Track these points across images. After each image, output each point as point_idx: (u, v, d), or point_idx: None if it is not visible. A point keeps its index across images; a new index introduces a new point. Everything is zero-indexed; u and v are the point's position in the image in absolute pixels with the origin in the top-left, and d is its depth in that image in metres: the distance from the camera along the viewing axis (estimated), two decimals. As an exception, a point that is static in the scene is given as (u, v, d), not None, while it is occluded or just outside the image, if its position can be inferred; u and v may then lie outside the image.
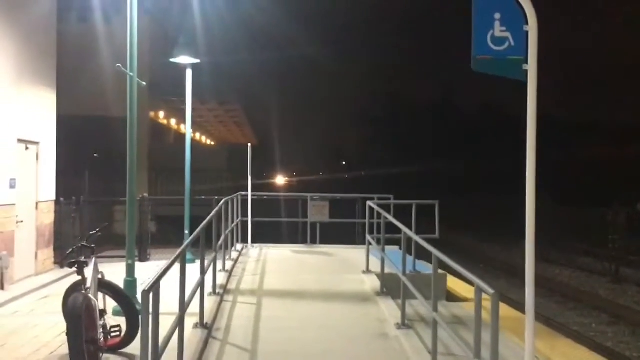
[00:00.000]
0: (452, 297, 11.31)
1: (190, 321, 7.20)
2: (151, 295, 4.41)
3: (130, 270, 8.87)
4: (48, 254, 12.79)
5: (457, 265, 5.59)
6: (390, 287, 9.78)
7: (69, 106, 14.69)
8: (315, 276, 11.50)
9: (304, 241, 16.09)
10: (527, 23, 4.82)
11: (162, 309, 4.63)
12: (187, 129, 14.39)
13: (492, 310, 4.59)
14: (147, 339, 4.30)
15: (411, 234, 7.84)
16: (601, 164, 36.66)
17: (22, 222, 11.49)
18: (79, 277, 6.55)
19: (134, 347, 6.83)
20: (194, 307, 7.14)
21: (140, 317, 6.91)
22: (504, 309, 9.06)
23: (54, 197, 13.19)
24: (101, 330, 6.41)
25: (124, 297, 7.16)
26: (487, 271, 19.43)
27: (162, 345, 4.86)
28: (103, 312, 6.66)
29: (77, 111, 19.19)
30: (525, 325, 4.95)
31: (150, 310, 4.45)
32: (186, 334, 6.13)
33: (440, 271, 10.27)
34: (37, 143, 12.34)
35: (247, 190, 15.18)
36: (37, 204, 12.31)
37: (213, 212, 9.11)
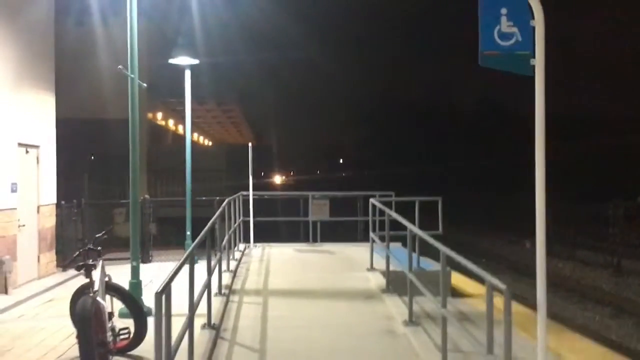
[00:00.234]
0: (455, 293, 11.31)
1: (198, 322, 7.19)
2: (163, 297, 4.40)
3: (135, 272, 8.86)
4: (50, 257, 12.79)
5: (466, 262, 5.59)
6: (395, 284, 9.77)
7: (65, 109, 14.64)
8: (319, 275, 11.50)
9: (305, 240, 16.10)
10: (533, 18, 4.82)
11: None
12: (187, 129, 14.38)
13: (504, 306, 4.59)
14: (161, 340, 4.30)
15: (417, 230, 7.82)
16: (600, 157, 36.72)
17: (24, 226, 11.49)
18: (86, 280, 6.55)
19: (141, 349, 6.85)
20: (201, 307, 7.13)
21: (147, 318, 7.00)
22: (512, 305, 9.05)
23: (55, 200, 13.18)
24: (110, 332, 6.41)
25: (131, 299, 7.17)
26: (489, 266, 19.45)
27: (175, 346, 4.86)
28: (111, 315, 6.67)
29: (74, 114, 19.17)
30: (537, 322, 4.95)
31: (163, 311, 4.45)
32: (195, 335, 6.13)
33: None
34: (37, 147, 12.33)
35: (246, 190, 15.17)
36: (38, 207, 12.29)
37: (217, 213, 9.11)
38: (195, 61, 13.52)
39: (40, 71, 12.59)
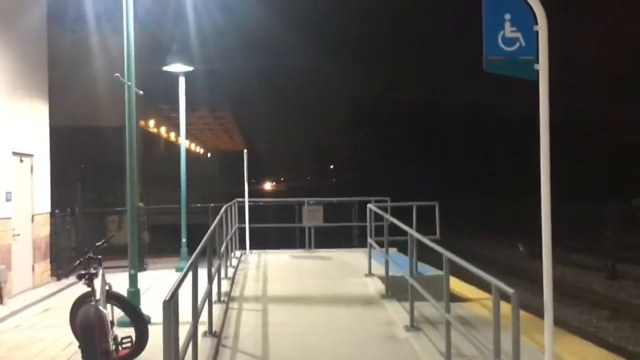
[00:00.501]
0: (453, 298, 11.31)
1: (199, 329, 7.14)
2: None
3: (133, 281, 8.82)
4: (44, 266, 12.69)
5: (471, 266, 5.60)
6: (394, 289, 9.78)
7: (57, 117, 14.56)
8: (317, 281, 11.49)
9: (299, 246, 16.09)
10: (537, 23, 4.85)
11: None
12: (181, 136, 14.33)
13: (512, 311, 4.60)
14: (169, 348, 4.28)
15: (418, 235, 7.84)
16: (595, 159, 36.91)
17: (18, 235, 11.40)
18: (86, 289, 6.51)
19: (141, 358, 6.80)
20: (202, 315, 7.10)
21: (148, 326, 6.97)
22: (506, 308, 9.08)
23: (49, 209, 13.10)
24: (112, 341, 6.36)
25: (131, 307, 7.13)
26: (485, 269, 19.40)
27: (181, 354, 4.83)
28: (112, 324, 6.62)
29: (65, 122, 19.07)
30: (545, 327, 4.99)
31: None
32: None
33: (441, 272, 10.35)
34: (31, 155, 12.26)
35: (239, 196, 15.16)
36: (32, 216, 12.21)
37: (216, 220, 9.09)
38: (189, 68, 13.50)
39: (33, 80, 12.54)
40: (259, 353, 7.18)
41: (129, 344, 6.68)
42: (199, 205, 16.25)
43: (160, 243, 19.27)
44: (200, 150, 42.89)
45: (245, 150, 14.96)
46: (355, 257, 13.93)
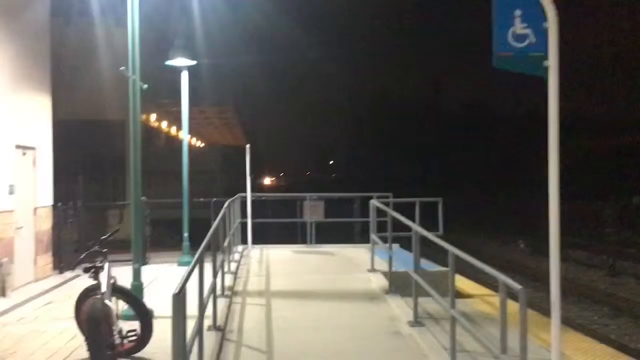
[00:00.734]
0: (456, 294, 11.32)
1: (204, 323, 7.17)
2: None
3: (137, 274, 8.82)
4: (47, 259, 12.70)
5: (477, 262, 5.61)
6: (397, 285, 9.79)
7: (60, 110, 14.54)
8: (320, 276, 11.50)
9: (301, 241, 16.09)
10: (547, 20, 4.85)
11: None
12: (184, 131, 14.31)
13: (520, 307, 4.62)
14: (178, 342, 4.29)
15: (423, 231, 7.85)
16: (595, 157, 36.95)
17: (21, 228, 11.41)
18: (92, 282, 6.53)
19: (145, 351, 6.83)
20: (206, 309, 7.11)
21: (152, 320, 6.99)
22: (511, 304, 9.10)
23: (51, 202, 13.10)
24: (117, 335, 6.38)
25: (136, 301, 7.15)
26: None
27: (188, 347, 4.85)
28: (117, 317, 6.64)
29: (67, 115, 19.05)
30: (552, 324, 5.01)
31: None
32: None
33: (444, 268, 10.36)
34: (33, 148, 12.25)
35: (240, 191, 15.15)
36: (35, 209, 12.21)
37: (220, 215, 9.09)
38: (192, 62, 13.48)
39: (37, 73, 12.53)
40: (263, 347, 7.19)
41: (134, 337, 6.70)
42: (200, 199, 16.22)
43: (160, 237, 19.26)
44: (201, 144, 42.82)
45: (248, 145, 14.95)
46: (357, 253, 13.94)
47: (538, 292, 15.11)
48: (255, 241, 15.45)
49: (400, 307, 8.85)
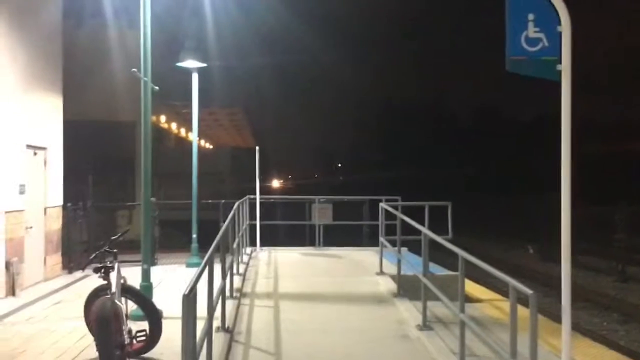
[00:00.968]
0: (465, 299, 11.29)
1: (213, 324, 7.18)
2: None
3: (146, 275, 8.84)
4: (56, 259, 12.75)
5: (487, 266, 5.59)
6: (405, 288, 9.77)
7: (71, 111, 14.60)
8: (328, 278, 11.50)
9: (309, 243, 16.08)
10: (560, 23, 4.83)
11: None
12: (194, 132, 14.35)
13: (530, 312, 4.60)
14: (188, 342, 4.30)
15: (432, 234, 7.83)
16: (605, 162, 36.79)
17: (31, 228, 11.45)
18: (102, 282, 6.54)
19: (154, 352, 6.84)
20: (215, 310, 7.12)
21: (161, 320, 7.01)
22: (521, 309, 9.05)
23: (61, 202, 13.15)
24: (127, 335, 6.39)
25: (146, 301, 7.16)
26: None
27: (198, 348, 4.85)
28: (126, 317, 6.65)
29: (79, 116, 19.13)
30: (562, 330, 4.99)
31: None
32: (211, 338, 6.11)
33: (453, 272, 10.33)
34: (44, 148, 12.31)
35: (249, 193, 15.17)
36: (45, 209, 12.26)
37: (230, 216, 9.10)
38: (203, 64, 13.53)
39: (48, 74, 12.59)
40: (271, 349, 7.19)
41: (144, 337, 6.71)
42: (209, 201, 16.25)
43: (169, 238, 19.30)
44: (210, 146, 42.95)
45: (257, 147, 14.98)
46: (365, 256, 13.92)
47: (547, 297, 15.04)
48: (264, 243, 15.47)
49: (408, 311, 8.83)
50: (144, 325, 6.85)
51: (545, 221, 16.68)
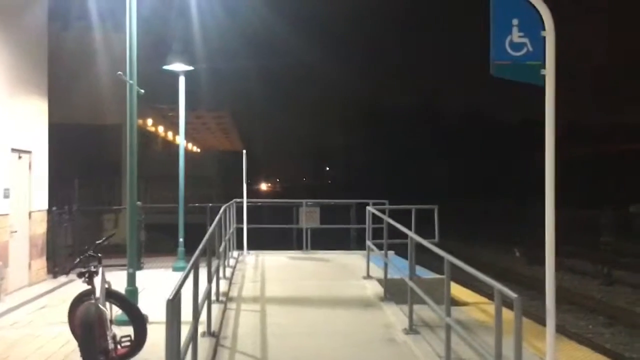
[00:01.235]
0: (451, 302, 11.31)
1: (198, 329, 7.14)
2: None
3: (132, 279, 8.80)
4: (41, 264, 12.64)
5: (472, 270, 5.60)
6: (392, 292, 9.78)
7: (56, 114, 14.51)
8: (315, 282, 11.48)
9: (296, 247, 16.06)
10: (544, 28, 4.86)
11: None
12: (180, 136, 14.31)
13: (515, 316, 4.61)
14: (172, 347, 4.27)
15: (418, 238, 7.84)
16: (592, 165, 37.02)
17: (15, 232, 11.35)
18: (86, 287, 6.49)
19: (139, 357, 6.78)
20: (201, 315, 7.08)
21: (147, 325, 6.95)
22: (507, 312, 9.08)
23: (46, 206, 13.04)
24: (111, 340, 6.34)
25: (130, 306, 7.10)
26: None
27: (182, 353, 4.82)
28: (111, 322, 6.60)
29: (64, 119, 19.02)
30: (547, 333, 5.01)
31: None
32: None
33: (440, 276, 10.35)
34: (29, 152, 12.21)
35: (237, 197, 15.13)
36: (30, 213, 12.16)
37: (216, 220, 9.07)
38: (189, 68, 13.49)
39: (33, 77, 12.49)
40: (258, 354, 7.17)
41: (128, 343, 6.66)
42: (196, 204, 16.19)
43: (155, 242, 19.20)
44: (197, 149, 42.85)
45: (244, 151, 14.94)
46: (352, 260, 13.92)
47: (533, 300, 15.11)
48: (251, 247, 15.42)
49: (395, 315, 8.83)
50: (129, 330, 6.80)
51: (531, 224, 16.80)
